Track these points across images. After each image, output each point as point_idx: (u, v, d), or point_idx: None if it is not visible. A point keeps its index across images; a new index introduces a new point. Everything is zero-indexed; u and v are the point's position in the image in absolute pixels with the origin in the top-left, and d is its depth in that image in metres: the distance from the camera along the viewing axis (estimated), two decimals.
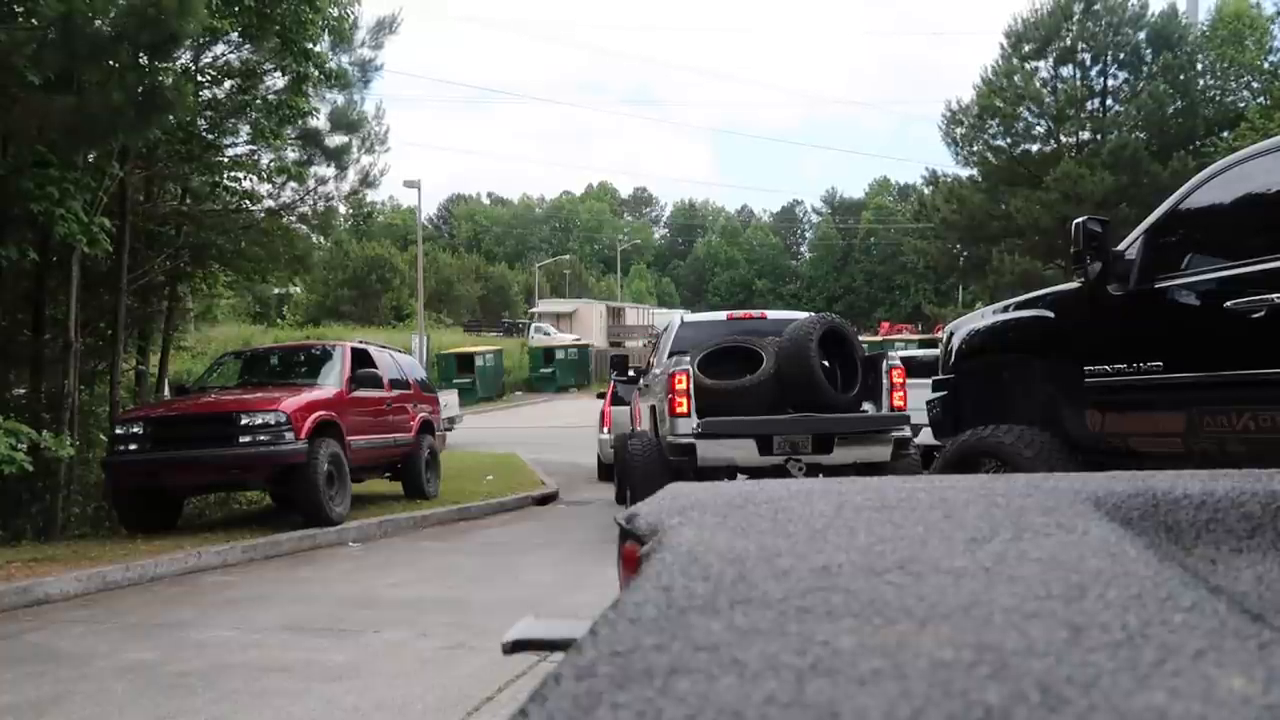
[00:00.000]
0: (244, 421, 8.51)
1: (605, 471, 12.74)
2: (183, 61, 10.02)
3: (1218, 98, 28.22)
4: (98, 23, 7.37)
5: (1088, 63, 27.78)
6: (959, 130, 28.88)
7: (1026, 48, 27.92)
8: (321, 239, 14.81)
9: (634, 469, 7.75)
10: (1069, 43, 27.38)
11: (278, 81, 10.94)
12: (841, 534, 0.40)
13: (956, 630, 0.27)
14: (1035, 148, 28.46)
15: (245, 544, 7.91)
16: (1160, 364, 4.40)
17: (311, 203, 12.39)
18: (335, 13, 11.22)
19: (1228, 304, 4.08)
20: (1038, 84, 27.98)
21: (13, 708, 4.07)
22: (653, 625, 0.28)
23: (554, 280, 72.15)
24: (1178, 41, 27.24)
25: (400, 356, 12.08)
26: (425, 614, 5.60)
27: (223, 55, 10.70)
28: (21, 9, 8.04)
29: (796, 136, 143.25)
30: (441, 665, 4.50)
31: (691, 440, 7.18)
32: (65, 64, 7.29)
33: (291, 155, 11.87)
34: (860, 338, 8.73)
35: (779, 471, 7.26)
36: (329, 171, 12.18)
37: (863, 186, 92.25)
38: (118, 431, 8.91)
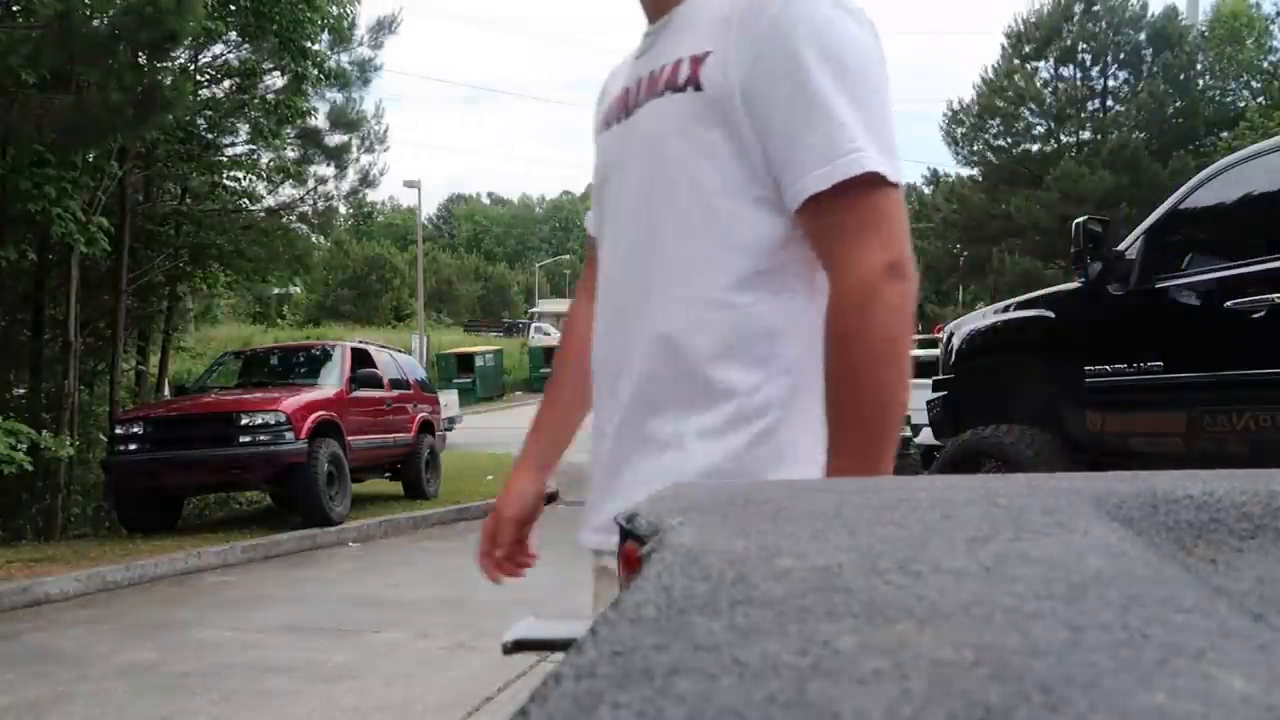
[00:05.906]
0: (244, 421, 8.51)
1: None
2: (181, 60, 10.03)
3: (1217, 97, 28.22)
4: (95, 22, 7.36)
5: (1088, 63, 27.81)
6: (959, 130, 28.93)
7: (1027, 48, 27.95)
8: (321, 239, 14.83)
9: None
10: (1069, 43, 27.40)
11: (277, 81, 10.95)
12: (841, 534, 0.40)
13: (957, 630, 0.27)
14: (1035, 147, 28.50)
15: (245, 544, 7.91)
16: (1160, 364, 4.40)
17: (311, 202, 12.42)
18: (335, 11, 11.23)
19: (1228, 304, 4.09)
20: (1038, 84, 28.02)
21: (13, 708, 4.07)
22: (653, 625, 0.28)
23: (554, 280, 72.15)
24: (1177, 41, 27.24)
25: (400, 356, 12.07)
26: (425, 614, 5.60)
27: (221, 54, 10.72)
28: (18, 8, 8.04)
29: None
30: (441, 665, 4.50)
31: None
32: (63, 63, 7.29)
33: (291, 155, 11.89)
34: None
35: None
36: (328, 171, 12.21)
37: None
38: (118, 431, 8.91)
